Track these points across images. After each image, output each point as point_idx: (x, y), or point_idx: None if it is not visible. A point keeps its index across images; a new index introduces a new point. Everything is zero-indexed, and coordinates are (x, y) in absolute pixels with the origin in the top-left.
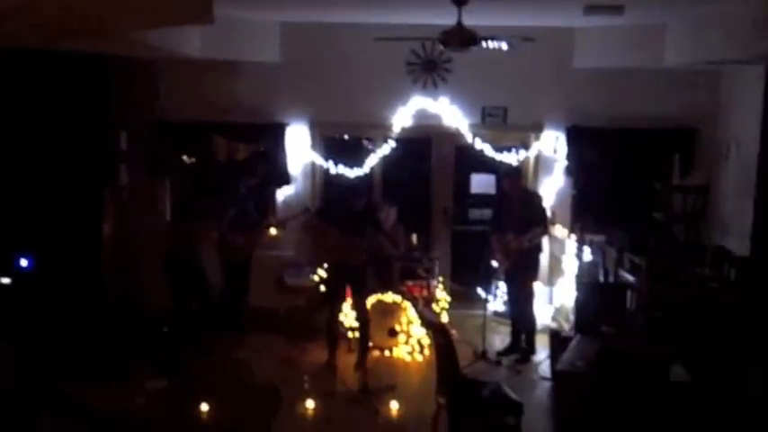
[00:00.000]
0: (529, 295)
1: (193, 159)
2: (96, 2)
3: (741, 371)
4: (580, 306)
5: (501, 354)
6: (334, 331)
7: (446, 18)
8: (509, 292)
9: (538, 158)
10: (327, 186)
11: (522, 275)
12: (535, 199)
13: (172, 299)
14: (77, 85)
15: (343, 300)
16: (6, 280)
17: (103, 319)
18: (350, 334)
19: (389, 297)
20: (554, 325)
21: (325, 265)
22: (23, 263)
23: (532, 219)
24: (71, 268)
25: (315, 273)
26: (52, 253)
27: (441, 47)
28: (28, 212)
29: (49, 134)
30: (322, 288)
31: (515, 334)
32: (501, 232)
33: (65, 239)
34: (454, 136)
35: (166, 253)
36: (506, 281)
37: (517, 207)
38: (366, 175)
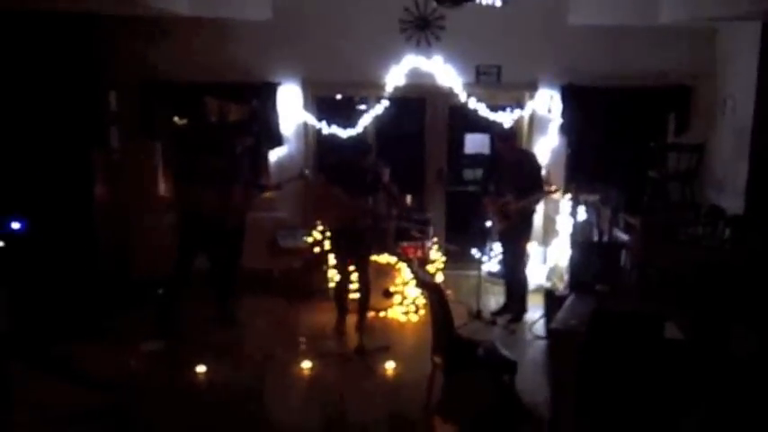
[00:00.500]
0: (521, 256)
1: (185, 120)
2: None
3: (727, 329)
4: (574, 265)
5: (495, 313)
6: (345, 296)
7: None
8: (503, 253)
9: (532, 117)
10: (325, 145)
11: (516, 236)
12: (532, 159)
13: (178, 260)
14: (65, 46)
15: (350, 263)
16: None
17: (97, 281)
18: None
19: (384, 258)
20: (548, 284)
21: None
22: (15, 225)
23: (531, 181)
24: (64, 230)
25: (309, 234)
26: (44, 215)
27: (434, 4)
28: (19, 175)
29: (38, 96)
30: (316, 249)
31: (510, 294)
32: (497, 194)
33: (57, 202)
34: (448, 95)
35: (184, 216)
36: (501, 242)
37: (514, 170)
38: (359, 135)
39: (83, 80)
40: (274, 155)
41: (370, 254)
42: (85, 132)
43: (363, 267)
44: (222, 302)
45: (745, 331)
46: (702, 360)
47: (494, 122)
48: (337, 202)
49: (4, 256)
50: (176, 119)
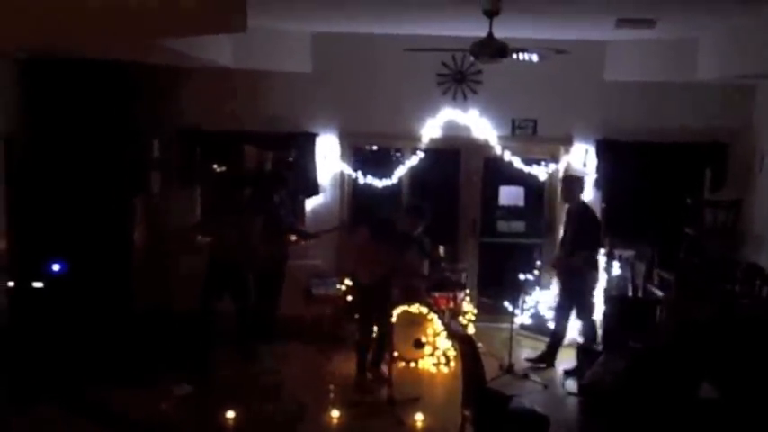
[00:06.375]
0: (581, 309)
1: (224, 168)
2: (129, 8)
3: None
4: (608, 320)
5: (529, 359)
6: (366, 354)
7: (477, 30)
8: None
9: (567, 171)
10: (361, 197)
11: (570, 291)
12: (586, 216)
13: (202, 299)
14: (110, 94)
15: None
16: (39, 284)
17: (132, 324)
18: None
19: (416, 308)
20: (581, 339)
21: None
22: (56, 267)
23: (578, 238)
24: (102, 273)
25: (341, 282)
26: (84, 258)
27: (471, 58)
28: (61, 218)
29: (83, 142)
30: (348, 298)
31: (550, 345)
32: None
33: (96, 245)
34: (483, 148)
35: (213, 253)
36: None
37: (573, 224)
38: (394, 186)
39: (127, 127)
40: (310, 203)
41: (394, 308)
42: (128, 178)
43: (387, 321)
44: (245, 343)
45: None
46: (741, 419)
47: (529, 174)
48: (377, 258)
49: (43, 297)
50: (215, 166)
